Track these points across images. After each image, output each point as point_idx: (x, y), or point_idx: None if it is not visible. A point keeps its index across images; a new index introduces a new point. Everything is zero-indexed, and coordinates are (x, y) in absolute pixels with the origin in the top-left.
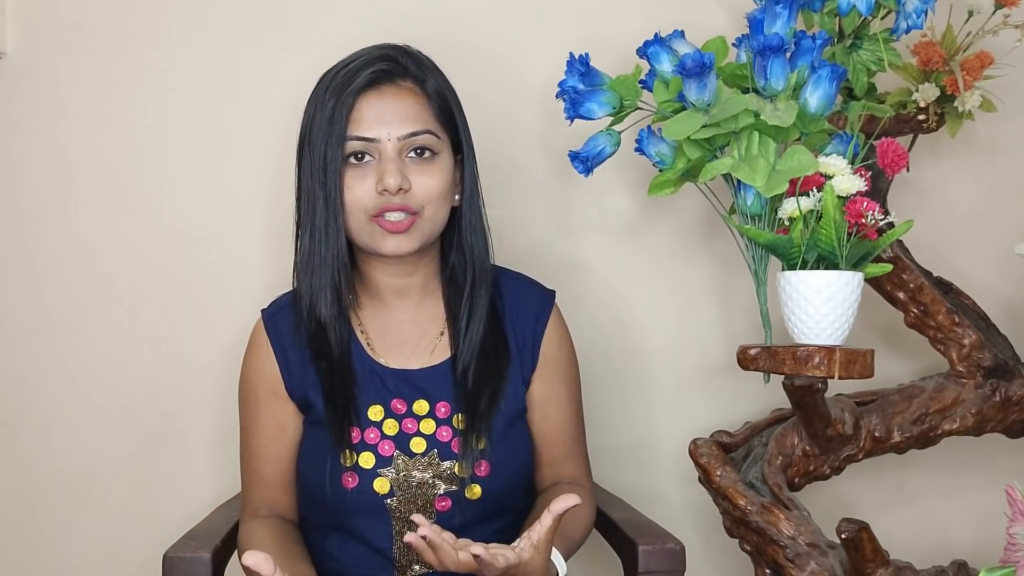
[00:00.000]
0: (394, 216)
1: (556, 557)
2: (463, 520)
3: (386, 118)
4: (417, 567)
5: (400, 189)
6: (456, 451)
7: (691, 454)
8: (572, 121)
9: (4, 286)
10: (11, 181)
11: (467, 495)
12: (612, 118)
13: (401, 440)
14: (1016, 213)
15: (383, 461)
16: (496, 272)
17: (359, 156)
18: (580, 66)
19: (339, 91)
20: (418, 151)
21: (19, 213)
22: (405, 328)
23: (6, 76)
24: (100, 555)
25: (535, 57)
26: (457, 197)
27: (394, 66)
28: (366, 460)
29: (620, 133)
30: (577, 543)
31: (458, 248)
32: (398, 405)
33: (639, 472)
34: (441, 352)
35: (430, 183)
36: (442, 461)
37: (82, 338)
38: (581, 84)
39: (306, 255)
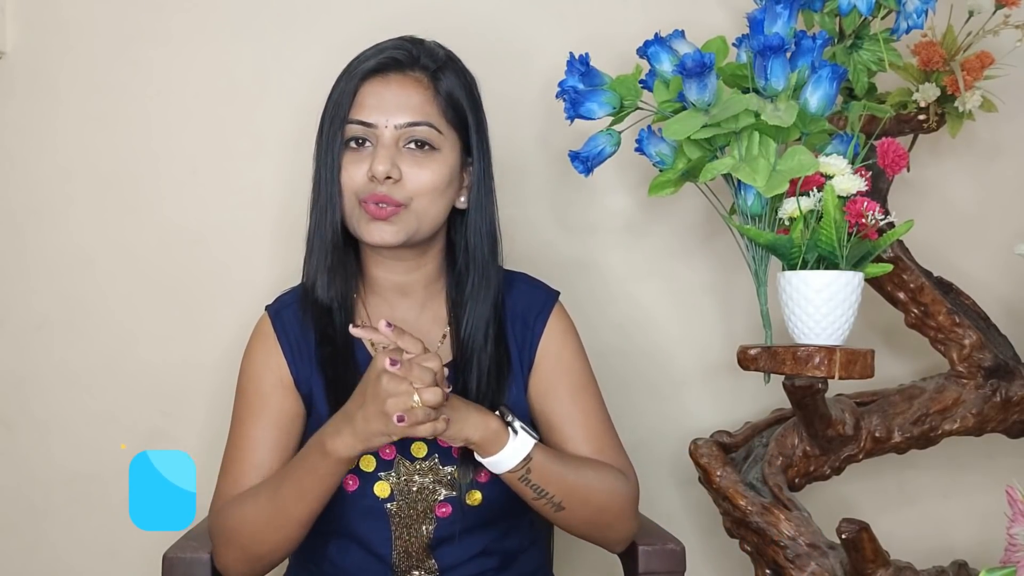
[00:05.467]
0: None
1: (522, 428)
2: (464, 526)
3: (386, 105)
4: (417, 572)
5: (388, 178)
6: (457, 456)
7: (691, 454)
8: (572, 121)
9: (4, 286)
10: (10, 181)
11: (468, 501)
12: (612, 118)
13: (402, 444)
14: (1016, 213)
15: (384, 464)
16: (503, 276)
17: (359, 141)
18: (580, 66)
19: (347, 76)
20: (417, 143)
21: (18, 213)
22: (408, 329)
23: (6, 76)
24: (100, 555)
25: (534, 57)
26: (464, 199)
27: (405, 55)
28: (367, 463)
29: (620, 133)
30: (572, 477)
31: (464, 251)
32: None
33: (639, 472)
34: (442, 356)
35: (422, 176)
36: (443, 466)
37: (82, 338)
38: (581, 84)
39: (311, 237)
